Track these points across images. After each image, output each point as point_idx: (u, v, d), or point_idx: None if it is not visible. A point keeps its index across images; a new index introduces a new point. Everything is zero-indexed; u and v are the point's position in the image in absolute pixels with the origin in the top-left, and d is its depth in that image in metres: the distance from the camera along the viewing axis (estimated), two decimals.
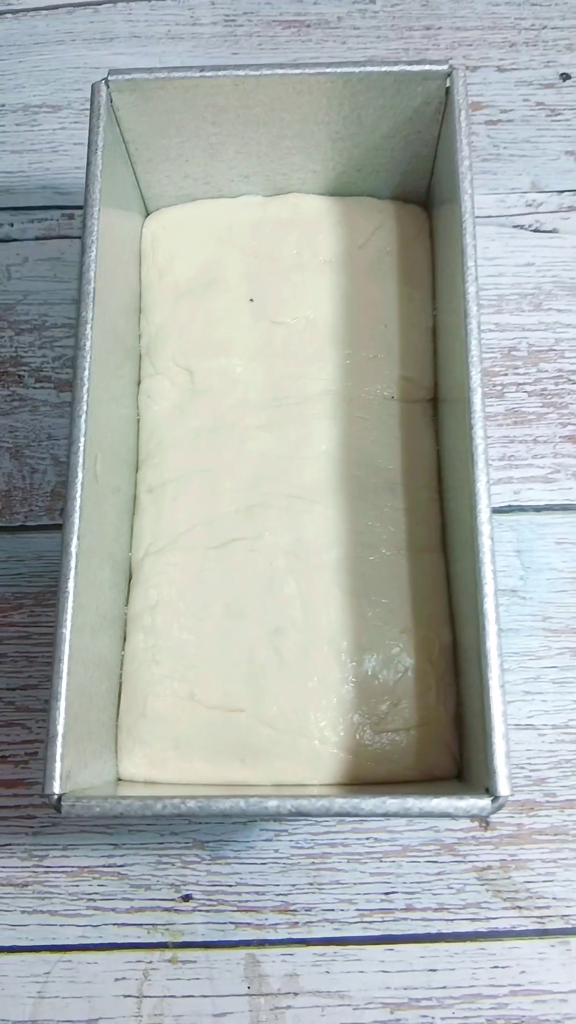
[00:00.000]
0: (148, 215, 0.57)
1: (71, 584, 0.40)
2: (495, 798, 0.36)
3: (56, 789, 0.37)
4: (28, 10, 0.68)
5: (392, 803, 0.35)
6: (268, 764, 0.46)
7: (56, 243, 0.62)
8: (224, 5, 0.67)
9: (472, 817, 0.36)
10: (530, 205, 0.62)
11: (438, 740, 0.46)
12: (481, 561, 0.38)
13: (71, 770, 0.39)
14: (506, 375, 0.58)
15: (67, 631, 0.39)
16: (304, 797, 0.36)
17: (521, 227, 0.61)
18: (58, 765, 0.38)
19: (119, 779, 0.47)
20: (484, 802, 0.36)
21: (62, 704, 0.38)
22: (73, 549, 0.40)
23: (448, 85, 0.46)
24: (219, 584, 0.49)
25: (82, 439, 0.42)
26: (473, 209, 0.43)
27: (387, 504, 0.50)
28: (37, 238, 0.62)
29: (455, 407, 0.46)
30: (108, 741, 0.46)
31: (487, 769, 0.36)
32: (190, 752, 0.47)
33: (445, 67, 0.46)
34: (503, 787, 0.36)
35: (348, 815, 0.36)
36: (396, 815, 0.36)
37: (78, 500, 0.41)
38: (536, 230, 0.61)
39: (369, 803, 0.36)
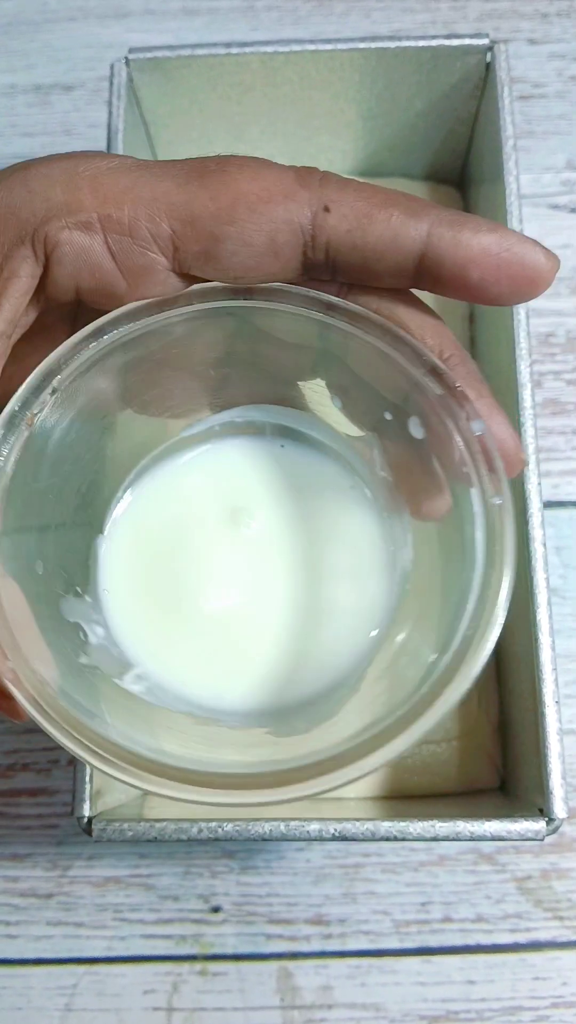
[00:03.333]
0: None
1: None
2: (550, 820, 0.34)
3: (86, 812, 0.36)
4: None
5: (442, 827, 0.34)
6: None
7: None
8: None
9: (526, 840, 0.34)
10: (565, 184, 0.59)
11: (480, 751, 0.44)
12: (533, 567, 0.36)
13: (100, 787, 0.37)
14: (543, 363, 0.56)
15: None
16: (348, 820, 0.34)
17: (557, 207, 0.59)
18: (88, 787, 0.36)
19: (145, 792, 0.45)
20: (539, 825, 0.34)
21: None
22: None
23: (488, 60, 0.44)
24: None
25: None
26: (519, 190, 0.41)
27: None
28: None
29: (498, 399, 0.44)
30: None
31: (541, 789, 0.34)
32: None
33: (485, 41, 0.43)
34: (560, 809, 0.34)
35: (395, 839, 0.34)
36: (446, 839, 0.34)
37: None
38: (573, 210, 0.58)
39: (417, 827, 0.34)
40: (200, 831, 0.35)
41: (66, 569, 0.29)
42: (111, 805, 0.38)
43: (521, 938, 0.49)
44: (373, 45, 0.44)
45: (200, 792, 0.23)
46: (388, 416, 0.29)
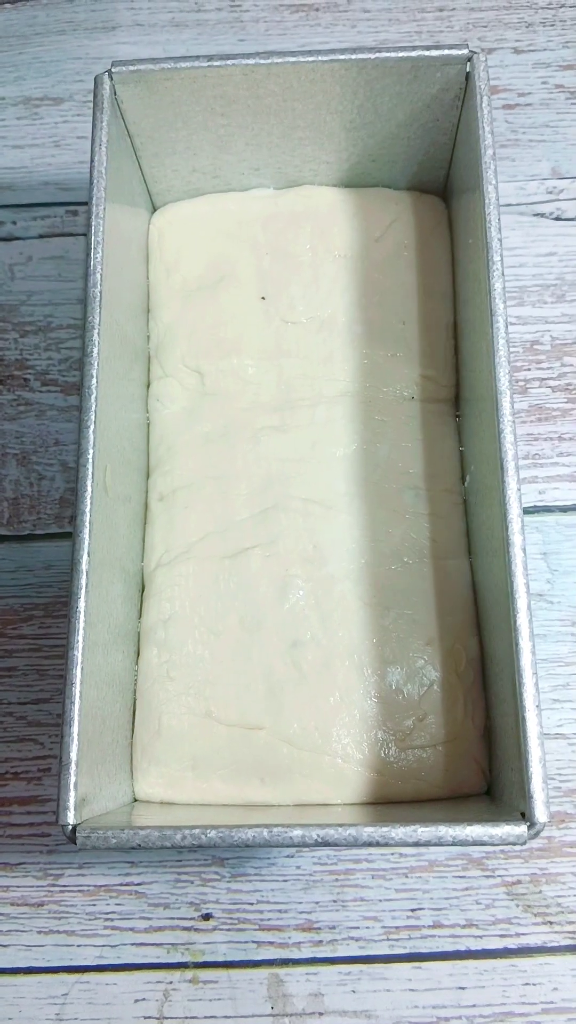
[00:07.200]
0: (155, 211, 0.55)
1: (82, 603, 0.38)
2: (532, 824, 0.34)
3: (71, 820, 0.36)
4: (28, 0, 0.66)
5: (424, 832, 0.34)
6: (289, 783, 0.44)
7: (60, 241, 0.60)
8: None
9: (508, 845, 0.34)
10: (551, 192, 0.60)
11: (466, 756, 0.44)
12: (513, 572, 0.37)
13: (86, 795, 0.37)
14: (529, 370, 0.56)
15: (79, 653, 0.38)
16: (330, 826, 0.34)
17: (542, 215, 0.59)
18: (72, 794, 0.36)
19: (135, 799, 0.46)
20: (520, 829, 0.34)
21: (75, 730, 0.37)
22: (84, 567, 0.38)
23: (468, 70, 0.44)
24: (234, 595, 0.47)
25: (91, 450, 0.40)
26: (498, 200, 0.41)
27: (408, 509, 0.48)
28: (41, 236, 0.60)
29: (480, 406, 0.44)
30: (123, 762, 0.45)
31: (523, 794, 0.35)
32: (208, 772, 0.45)
33: (465, 51, 0.44)
34: (541, 813, 0.34)
35: (377, 845, 0.34)
36: (428, 844, 0.34)
37: (88, 514, 0.39)
38: (557, 218, 0.59)
39: (399, 832, 0.34)
40: (184, 838, 0.35)
41: None
42: (97, 813, 0.39)
43: (511, 943, 0.49)
44: (353, 56, 0.44)
45: None
46: None
